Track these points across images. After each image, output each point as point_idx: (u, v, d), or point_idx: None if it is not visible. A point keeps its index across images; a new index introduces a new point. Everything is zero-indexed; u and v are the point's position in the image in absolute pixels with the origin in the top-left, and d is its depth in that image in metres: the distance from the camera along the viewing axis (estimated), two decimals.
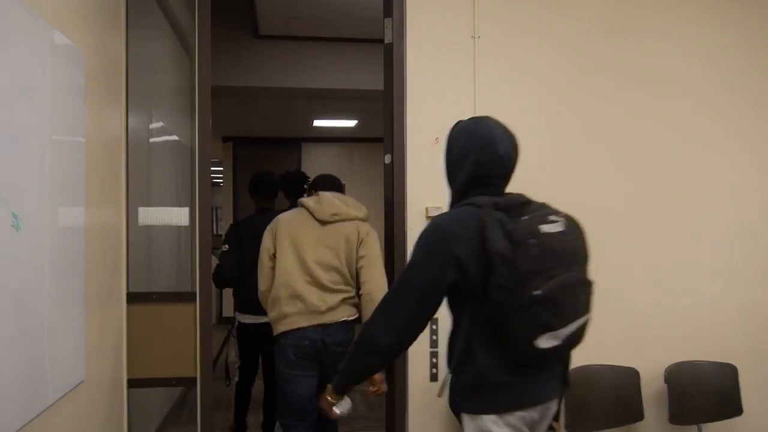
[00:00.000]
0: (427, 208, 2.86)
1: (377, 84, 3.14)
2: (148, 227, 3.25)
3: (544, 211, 1.68)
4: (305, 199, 2.96)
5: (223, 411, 4.45)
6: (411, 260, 1.70)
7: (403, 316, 1.65)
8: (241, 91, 5.35)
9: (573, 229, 1.70)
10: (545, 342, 1.58)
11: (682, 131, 3.11)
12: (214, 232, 9.69)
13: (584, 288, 1.68)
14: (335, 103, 6.65)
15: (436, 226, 1.69)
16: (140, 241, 3.04)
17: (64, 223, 1.91)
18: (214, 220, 10.55)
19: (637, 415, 2.90)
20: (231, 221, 8.09)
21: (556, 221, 1.65)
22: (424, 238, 1.69)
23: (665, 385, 2.94)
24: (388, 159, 2.98)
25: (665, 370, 2.95)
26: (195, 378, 2.71)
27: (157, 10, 3.38)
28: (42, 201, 1.73)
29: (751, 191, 3.18)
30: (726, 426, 3.03)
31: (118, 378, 2.57)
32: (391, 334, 1.65)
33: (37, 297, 1.71)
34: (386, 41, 2.98)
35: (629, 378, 2.91)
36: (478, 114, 2.90)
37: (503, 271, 1.55)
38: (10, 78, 1.53)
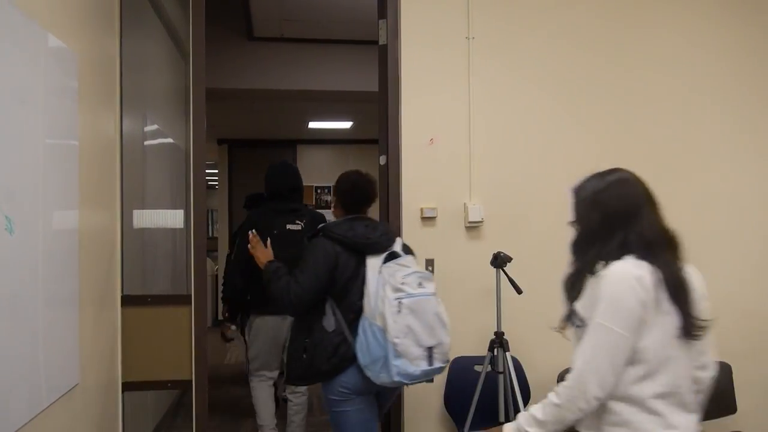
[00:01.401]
0: (422, 209, 2.86)
1: (372, 85, 3.15)
2: (142, 230, 3.24)
3: (296, 216, 3.31)
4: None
5: (218, 414, 4.43)
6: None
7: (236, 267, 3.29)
8: (236, 93, 5.34)
9: (308, 228, 3.07)
10: None
11: (684, 128, 3.12)
12: (210, 234, 9.66)
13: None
14: (330, 105, 6.64)
15: (247, 217, 3.29)
16: (135, 244, 3.03)
17: (58, 226, 1.91)
18: (210, 222, 10.52)
19: None
20: (226, 224, 8.05)
21: (298, 223, 3.29)
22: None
23: None
24: (383, 160, 2.98)
25: None
26: (190, 381, 2.70)
27: (151, 12, 3.37)
28: (35, 204, 1.72)
29: (752, 189, 3.19)
30: (720, 424, 3.03)
31: (112, 381, 2.56)
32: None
33: (31, 300, 1.70)
34: (380, 43, 2.99)
35: None
36: (472, 114, 2.93)
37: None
38: (3, 81, 1.53)
